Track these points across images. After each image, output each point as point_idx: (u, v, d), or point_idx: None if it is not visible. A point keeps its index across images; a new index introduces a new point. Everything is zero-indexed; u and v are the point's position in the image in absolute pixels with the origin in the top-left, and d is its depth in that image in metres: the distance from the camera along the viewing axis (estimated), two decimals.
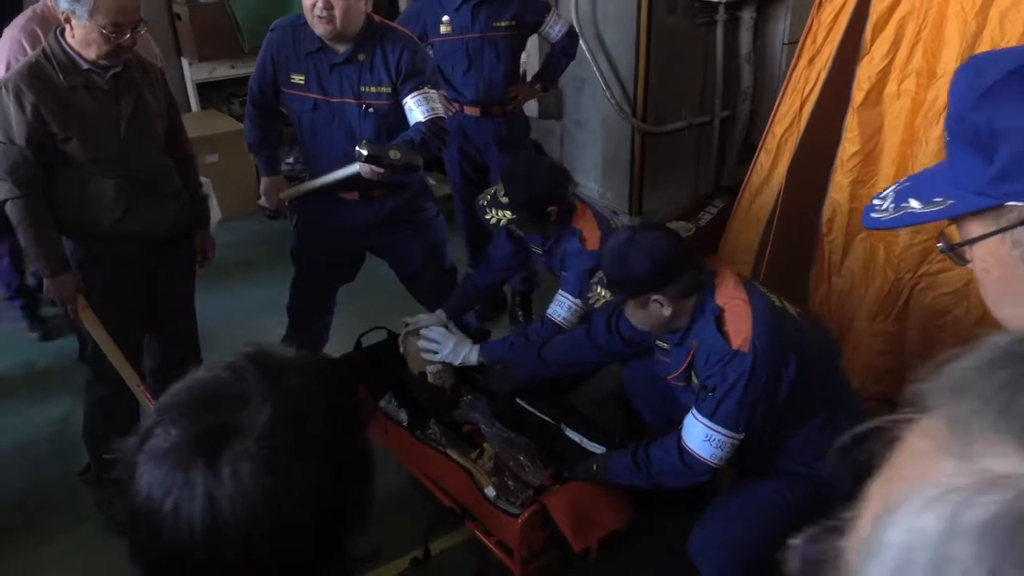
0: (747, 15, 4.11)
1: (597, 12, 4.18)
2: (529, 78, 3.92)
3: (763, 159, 3.04)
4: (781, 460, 2.10)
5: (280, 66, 2.69)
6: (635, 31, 3.97)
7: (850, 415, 2.02)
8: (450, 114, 3.57)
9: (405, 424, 2.66)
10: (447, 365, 2.76)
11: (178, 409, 0.73)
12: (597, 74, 4.16)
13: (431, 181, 4.97)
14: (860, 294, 2.79)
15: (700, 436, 1.98)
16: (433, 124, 2.62)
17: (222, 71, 4.92)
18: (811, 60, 2.78)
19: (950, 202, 0.75)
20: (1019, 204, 0.71)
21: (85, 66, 2.28)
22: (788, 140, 2.92)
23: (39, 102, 2.23)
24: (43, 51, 2.28)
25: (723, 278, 2.08)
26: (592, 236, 2.61)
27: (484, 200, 2.66)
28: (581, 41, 4.15)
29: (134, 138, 2.38)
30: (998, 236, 0.73)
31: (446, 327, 2.82)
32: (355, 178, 2.59)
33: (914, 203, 0.77)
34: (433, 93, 2.67)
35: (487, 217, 2.62)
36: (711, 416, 1.96)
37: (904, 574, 0.35)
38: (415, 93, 2.62)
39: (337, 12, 2.48)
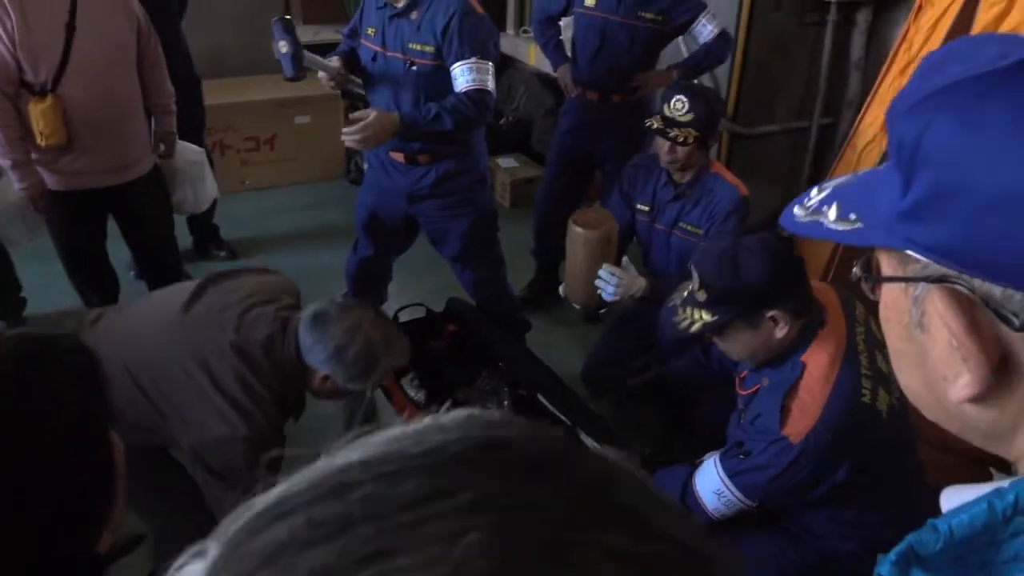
0: (863, 18, 3.79)
1: None
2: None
3: (840, 172, 2.80)
4: (790, 523, 1.87)
5: (362, 18, 2.72)
6: (735, 24, 3.74)
7: (898, 507, 1.69)
8: (571, 96, 3.41)
9: (421, 405, 2.62)
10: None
11: None
12: None
13: (512, 163, 4.92)
14: None
15: (712, 487, 1.77)
16: (467, 97, 2.47)
17: (326, 35, 4.99)
18: (903, 69, 2.53)
19: (859, 225, 0.56)
20: (918, 257, 0.52)
21: None
22: (870, 154, 2.68)
23: None
24: None
25: (825, 339, 1.71)
26: (736, 181, 2.51)
27: (665, 115, 2.45)
28: None
29: None
30: (901, 285, 0.56)
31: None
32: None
33: (831, 212, 0.61)
34: (485, 65, 2.50)
35: (674, 135, 2.42)
36: (732, 476, 1.73)
37: None
38: (462, 62, 2.49)
39: None
